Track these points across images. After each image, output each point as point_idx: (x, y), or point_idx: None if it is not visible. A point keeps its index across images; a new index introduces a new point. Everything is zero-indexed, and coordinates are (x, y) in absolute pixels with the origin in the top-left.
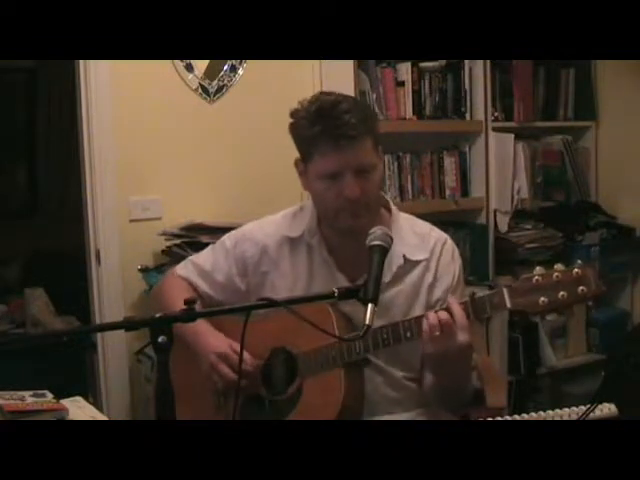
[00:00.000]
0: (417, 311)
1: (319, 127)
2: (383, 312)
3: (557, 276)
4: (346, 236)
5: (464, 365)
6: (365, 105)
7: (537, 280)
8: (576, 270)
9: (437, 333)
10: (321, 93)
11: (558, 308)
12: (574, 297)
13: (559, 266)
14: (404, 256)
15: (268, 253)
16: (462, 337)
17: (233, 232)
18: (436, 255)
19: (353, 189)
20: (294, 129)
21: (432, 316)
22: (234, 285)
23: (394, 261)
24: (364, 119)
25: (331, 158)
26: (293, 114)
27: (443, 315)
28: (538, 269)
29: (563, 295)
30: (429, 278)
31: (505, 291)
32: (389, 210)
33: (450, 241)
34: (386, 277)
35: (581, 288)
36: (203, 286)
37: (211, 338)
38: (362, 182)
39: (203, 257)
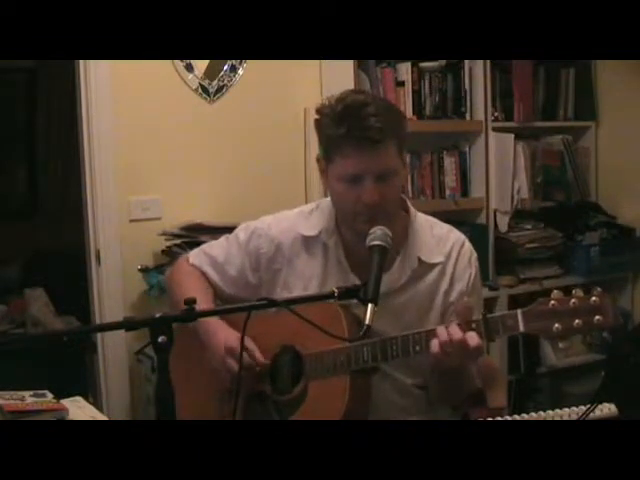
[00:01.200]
0: (432, 316)
1: (343, 129)
2: (397, 316)
3: (574, 302)
4: (363, 236)
5: (469, 370)
6: (394, 109)
7: (553, 305)
8: (594, 299)
9: (449, 350)
10: (351, 91)
11: (572, 335)
12: (589, 326)
13: (577, 292)
14: (419, 258)
15: (282, 250)
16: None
17: (248, 225)
18: (453, 258)
19: (372, 194)
20: (318, 126)
21: (442, 333)
22: (246, 279)
23: (408, 264)
24: (390, 123)
25: (352, 161)
26: (319, 110)
27: (455, 334)
28: (555, 292)
29: (578, 323)
30: (445, 283)
31: (519, 314)
32: (407, 211)
33: (468, 244)
34: (401, 280)
35: (597, 318)
36: (214, 277)
37: (223, 333)
38: (382, 187)
39: (216, 248)
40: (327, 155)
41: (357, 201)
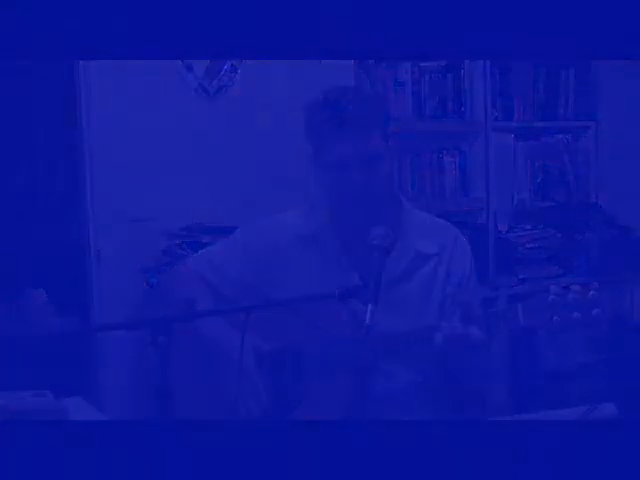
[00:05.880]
0: (431, 308)
1: (324, 116)
2: (397, 309)
3: (573, 297)
4: (358, 230)
5: (469, 366)
6: (372, 96)
7: (552, 299)
8: (592, 292)
9: (453, 344)
10: (331, 88)
11: (571, 328)
12: (588, 319)
13: (576, 286)
14: (415, 249)
15: (279, 250)
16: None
17: (244, 228)
18: (448, 250)
19: (357, 176)
20: (305, 122)
21: (446, 327)
22: (244, 281)
23: (404, 255)
24: (370, 108)
25: (335, 146)
26: (304, 108)
27: (458, 328)
28: (554, 287)
29: (577, 316)
30: (442, 273)
31: (520, 308)
32: (401, 205)
33: (461, 236)
34: (396, 271)
35: (596, 311)
36: (213, 281)
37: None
38: (367, 172)
39: (215, 252)
40: (313, 146)
41: (345, 187)
